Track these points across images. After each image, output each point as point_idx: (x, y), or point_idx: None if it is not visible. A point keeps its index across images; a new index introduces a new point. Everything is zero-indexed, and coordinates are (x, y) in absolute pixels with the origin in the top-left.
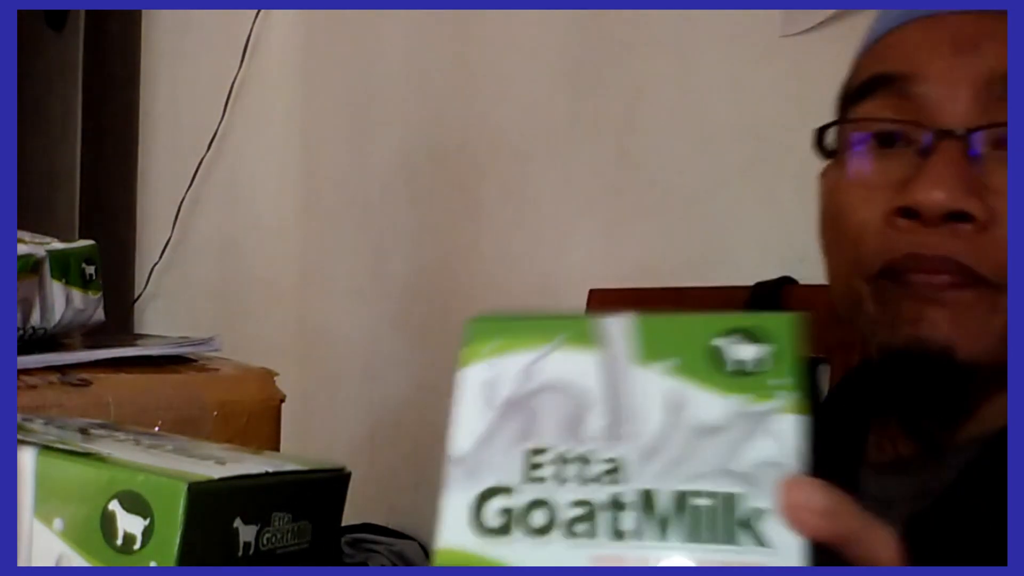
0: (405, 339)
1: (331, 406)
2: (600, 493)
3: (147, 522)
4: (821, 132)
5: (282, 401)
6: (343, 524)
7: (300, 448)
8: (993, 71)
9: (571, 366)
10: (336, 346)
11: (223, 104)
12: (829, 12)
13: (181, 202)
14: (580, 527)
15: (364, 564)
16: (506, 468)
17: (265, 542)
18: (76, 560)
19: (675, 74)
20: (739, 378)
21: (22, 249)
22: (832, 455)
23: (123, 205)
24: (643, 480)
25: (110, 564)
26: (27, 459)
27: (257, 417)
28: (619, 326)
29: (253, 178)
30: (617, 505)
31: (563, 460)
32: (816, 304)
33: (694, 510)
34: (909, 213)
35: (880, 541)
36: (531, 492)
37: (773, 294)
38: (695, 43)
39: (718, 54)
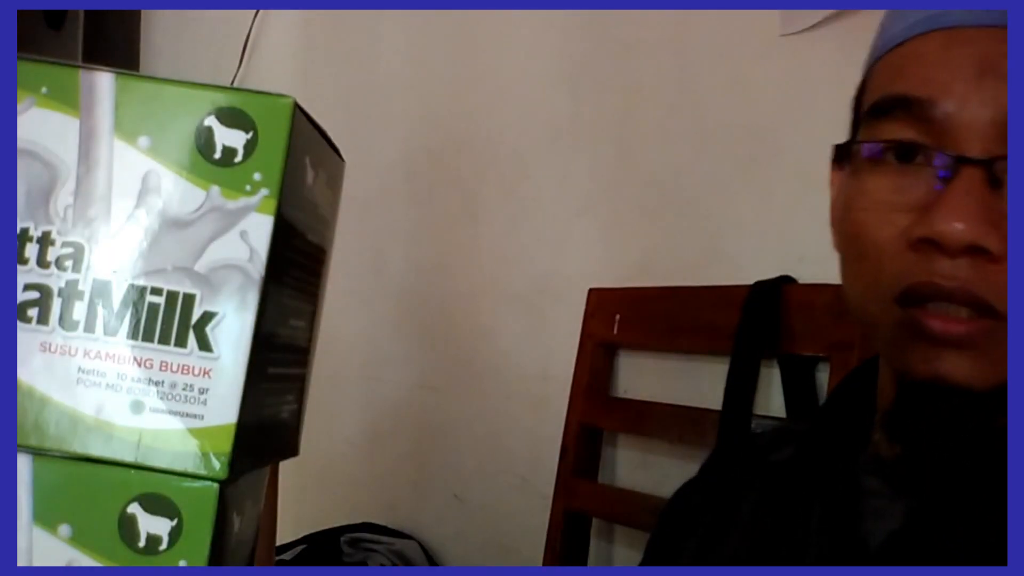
0: (404, 339)
1: (331, 406)
2: (57, 279)
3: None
4: (840, 149)
5: None
6: (343, 524)
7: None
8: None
9: (50, 128)
10: (336, 346)
11: None
12: (828, 11)
13: None
14: (31, 311)
15: (364, 563)
16: None
17: None
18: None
19: (674, 74)
20: (222, 168)
21: None
22: (836, 451)
23: None
24: (101, 270)
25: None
26: None
27: None
28: (104, 88)
29: None
30: (72, 294)
31: (27, 238)
32: (816, 304)
33: (147, 307)
34: (929, 242)
35: None
36: None
37: (772, 293)
38: (694, 43)
39: (717, 54)
